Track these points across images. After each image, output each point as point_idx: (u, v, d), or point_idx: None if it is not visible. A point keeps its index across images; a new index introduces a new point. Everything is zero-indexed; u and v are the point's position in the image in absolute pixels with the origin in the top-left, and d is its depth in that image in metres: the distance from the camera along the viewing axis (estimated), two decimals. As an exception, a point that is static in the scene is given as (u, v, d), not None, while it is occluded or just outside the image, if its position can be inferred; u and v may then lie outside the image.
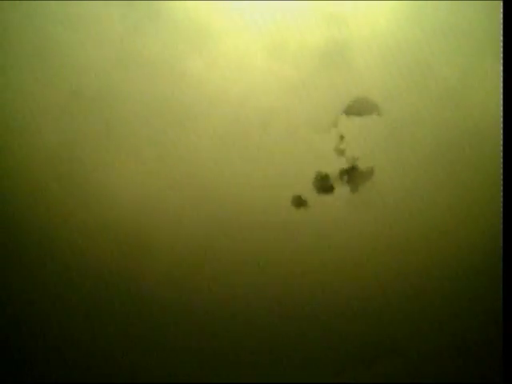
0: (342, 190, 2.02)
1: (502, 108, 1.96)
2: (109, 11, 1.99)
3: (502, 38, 1.94)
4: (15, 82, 2.00)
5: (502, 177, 1.95)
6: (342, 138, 2.02)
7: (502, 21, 1.94)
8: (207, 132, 2.01)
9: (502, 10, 1.93)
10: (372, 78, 2.00)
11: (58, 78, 2.00)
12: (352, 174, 2.03)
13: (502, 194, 1.97)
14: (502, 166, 1.95)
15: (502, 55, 1.95)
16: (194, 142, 2.01)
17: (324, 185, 2.03)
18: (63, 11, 1.99)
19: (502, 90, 1.96)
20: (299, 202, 2.02)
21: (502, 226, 1.94)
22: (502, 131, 1.97)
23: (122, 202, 2.01)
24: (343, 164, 2.02)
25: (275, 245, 2.03)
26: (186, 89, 2.00)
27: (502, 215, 1.95)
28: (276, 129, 2.01)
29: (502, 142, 1.96)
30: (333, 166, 2.02)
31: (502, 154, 1.96)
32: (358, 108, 2.01)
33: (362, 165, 2.02)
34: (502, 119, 1.96)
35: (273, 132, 2.01)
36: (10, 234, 2.01)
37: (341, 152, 2.02)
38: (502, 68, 1.95)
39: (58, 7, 1.99)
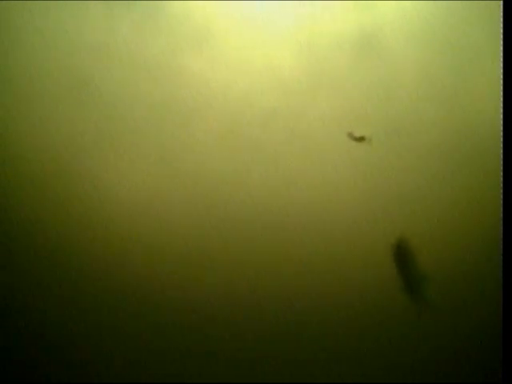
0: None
1: (502, 109, 1.96)
2: (110, 11, 2.00)
3: (502, 38, 1.94)
4: (16, 81, 2.01)
5: (501, 178, 1.96)
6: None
7: (502, 21, 1.94)
8: (208, 130, 2.02)
9: (501, 10, 1.93)
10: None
11: (59, 79, 2.01)
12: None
13: (502, 194, 1.97)
14: (502, 166, 1.95)
15: (502, 55, 1.95)
16: (194, 139, 2.02)
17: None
18: (65, 11, 2.00)
19: (502, 91, 1.96)
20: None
21: (501, 227, 1.94)
22: (502, 132, 1.97)
23: (123, 199, 2.02)
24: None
25: (275, 243, 2.04)
26: (186, 87, 2.01)
27: (502, 215, 1.95)
28: (277, 128, 2.02)
29: (501, 144, 1.96)
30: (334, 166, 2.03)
31: (502, 154, 1.96)
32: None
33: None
34: (502, 121, 1.96)
35: (273, 131, 2.02)
36: (10, 232, 2.02)
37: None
38: (502, 68, 1.95)
39: (59, 7, 2.00)
